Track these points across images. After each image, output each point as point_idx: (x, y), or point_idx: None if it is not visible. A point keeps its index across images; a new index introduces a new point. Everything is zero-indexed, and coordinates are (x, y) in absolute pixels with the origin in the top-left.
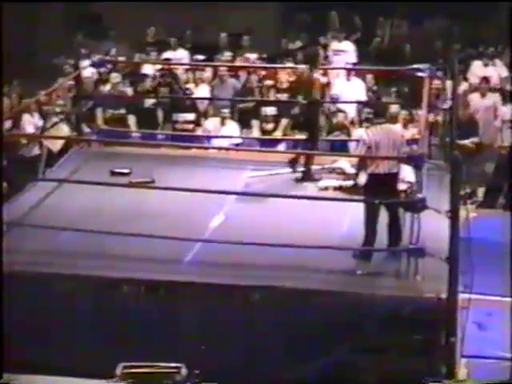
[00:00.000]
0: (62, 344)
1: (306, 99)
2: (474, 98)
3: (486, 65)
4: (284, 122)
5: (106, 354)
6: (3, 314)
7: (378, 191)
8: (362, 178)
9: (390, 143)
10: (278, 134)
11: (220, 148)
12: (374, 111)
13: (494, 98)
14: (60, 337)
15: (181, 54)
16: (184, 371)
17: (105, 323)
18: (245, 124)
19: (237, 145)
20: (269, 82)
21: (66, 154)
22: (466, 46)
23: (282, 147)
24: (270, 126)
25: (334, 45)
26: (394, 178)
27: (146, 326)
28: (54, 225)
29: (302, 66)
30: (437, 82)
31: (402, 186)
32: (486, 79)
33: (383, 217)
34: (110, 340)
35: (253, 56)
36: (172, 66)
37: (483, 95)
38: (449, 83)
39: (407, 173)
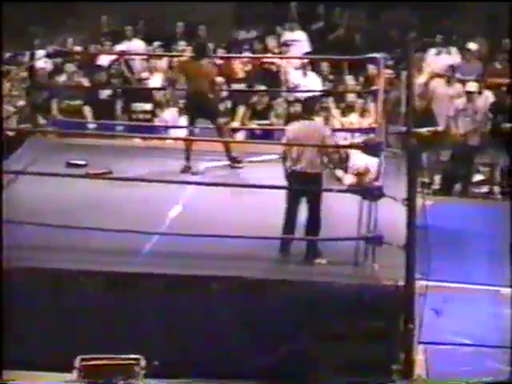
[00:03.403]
0: (20, 337)
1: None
2: (439, 86)
3: (438, 53)
4: (241, 110)
5: (65, 346)
6: None
7: (298, 187)
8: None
9: (307, 141)
10: (235, 124)
11: (177, 138)
12: (302, 107)
13: (458, 87)
14: (18, 329)
15: (136, 44)
16: (143, 363)
17: (64, 315)
18: None
19: None
20: (220, 79)
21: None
22: (423, 35)
23: (240, 136)
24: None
25: (287, 34)
26: (313, 177)
27: (105, 317)
28: (11, 218)
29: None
30: (389, 72)
31: (347, 180)
32: (452, 67)
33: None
34: (70, 332)
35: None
36: (127, 56)
37: (449, 83)
38: (404, 72)
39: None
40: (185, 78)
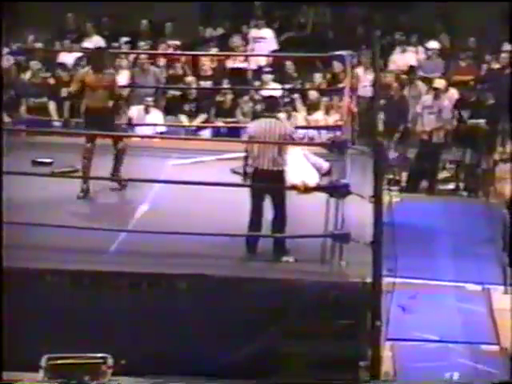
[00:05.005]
0: None
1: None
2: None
3: (403, 51)
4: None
5: (31, 346)
6: None
7: (261, 185)
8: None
9: (266, 138)
10: (201, 122)
11: (144, 136)
12: (264, 105)
13: (420, 87)
14: None
15: (96, 41)
16: (110, 361)
17: (30, 315)
18: (169, 112)
19: (161, 133)
20: (189, 79)
21: None
22: (388, 32)
23: (206, 134)
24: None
25: (254, 32)
26: (275, 175)
27: (71, 316)
28: None
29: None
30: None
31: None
32: (412, 68)
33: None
34: (36, 332)
35: (175, 43)
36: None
37: (411, 83)
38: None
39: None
40: (85, 91)
